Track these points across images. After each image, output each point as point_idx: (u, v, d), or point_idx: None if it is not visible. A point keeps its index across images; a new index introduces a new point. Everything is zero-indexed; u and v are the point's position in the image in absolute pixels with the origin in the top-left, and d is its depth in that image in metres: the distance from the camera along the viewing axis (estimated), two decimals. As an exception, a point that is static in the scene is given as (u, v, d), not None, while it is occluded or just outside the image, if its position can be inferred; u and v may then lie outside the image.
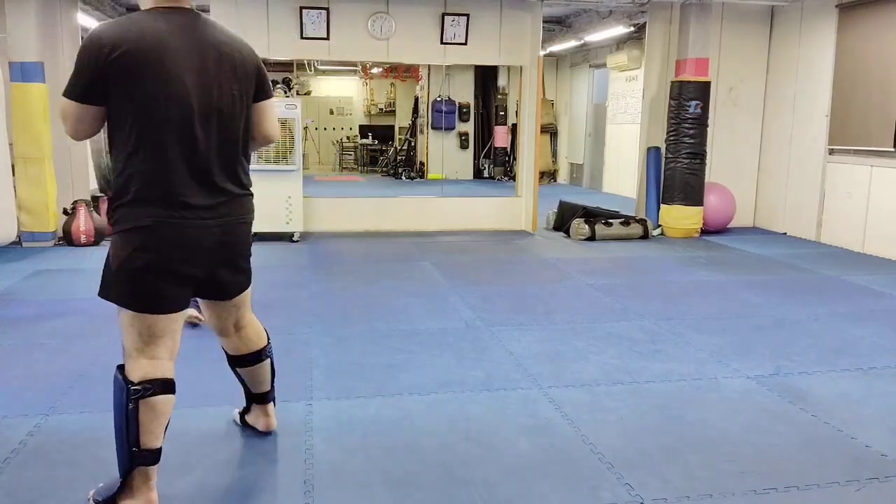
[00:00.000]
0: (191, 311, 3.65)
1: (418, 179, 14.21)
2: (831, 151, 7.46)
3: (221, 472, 2.54)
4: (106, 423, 2.90)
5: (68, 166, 7.15)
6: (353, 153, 16.58)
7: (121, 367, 2.20)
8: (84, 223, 6.80)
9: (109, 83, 2.04)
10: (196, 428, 2.88)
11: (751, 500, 2.40)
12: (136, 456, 2.15)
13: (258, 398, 2.75)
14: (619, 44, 11.54)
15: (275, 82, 14.36)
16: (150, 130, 2.07)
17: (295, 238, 7.29)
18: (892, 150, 6.61)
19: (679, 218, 7.76)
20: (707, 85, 7.63)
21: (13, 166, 6.54)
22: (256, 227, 8.47)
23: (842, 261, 6.60)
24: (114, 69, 2.02)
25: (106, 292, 2.18)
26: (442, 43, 7.67)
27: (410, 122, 15.06)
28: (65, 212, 6.87)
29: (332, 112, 12.10)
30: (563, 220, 8.10)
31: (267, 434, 2.81)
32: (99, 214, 7.02)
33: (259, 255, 6.84)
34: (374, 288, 5.37)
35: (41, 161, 6.66)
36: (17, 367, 3.56)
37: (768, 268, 6.31)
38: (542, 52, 8.11)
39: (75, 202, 6.84)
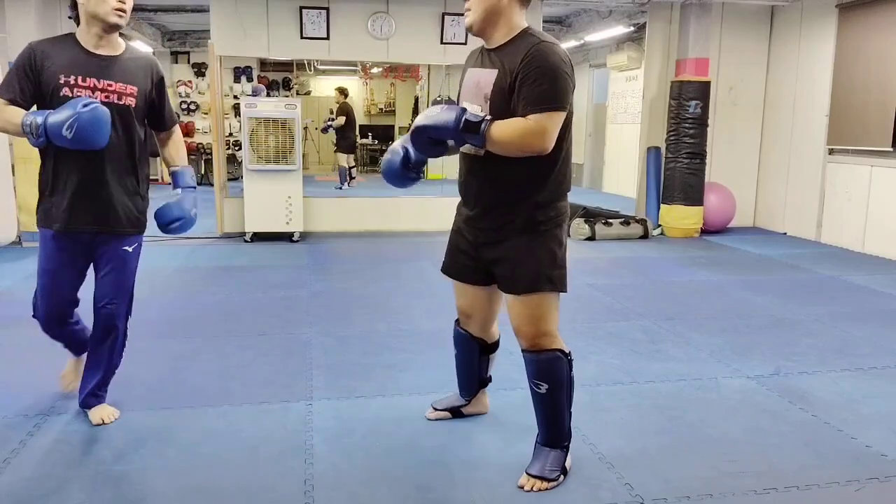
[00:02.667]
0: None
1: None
2: (831, 151, 7.46)
3: (222, 472, 2.54)
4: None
5: (68, 166, 7.14)
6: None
7: (556, 350, 2.50)
8: (84, 223, 6.79)
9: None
10: (196, 428, 2.89)
11: (750, 500, 2.40)
12: (570, 415, 2.52)
13: (485, 382, 2.98)
14: (619, 44, 11.53)
15: (275, 82, 14.38)
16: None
17: (295, 238, 7.29)
18: (892, 150, 6.62)
19: (679, 218, 7.76)
20: (707, 85, 7.63)
21: (13, 166, 6.54)
22: (256, 227, 8.34)
23: (842, 261, 6.60)
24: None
25: (563, 285, 2.54)
26: (442, 43, 7.67)
27: (410, 122, 15.05)
28: (65, 212, 6.85)
29: (332, 112, 12.17)
30: (563, 220, 8.09)
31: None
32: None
33: (259, 255, 6.84)
34: (374, 288, 5.37)
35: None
36: (17, 367, 3.56)
37: (768, 268, 6.31)
38: (542, 52, 8.10)
39: (75, 202, 6.83)
